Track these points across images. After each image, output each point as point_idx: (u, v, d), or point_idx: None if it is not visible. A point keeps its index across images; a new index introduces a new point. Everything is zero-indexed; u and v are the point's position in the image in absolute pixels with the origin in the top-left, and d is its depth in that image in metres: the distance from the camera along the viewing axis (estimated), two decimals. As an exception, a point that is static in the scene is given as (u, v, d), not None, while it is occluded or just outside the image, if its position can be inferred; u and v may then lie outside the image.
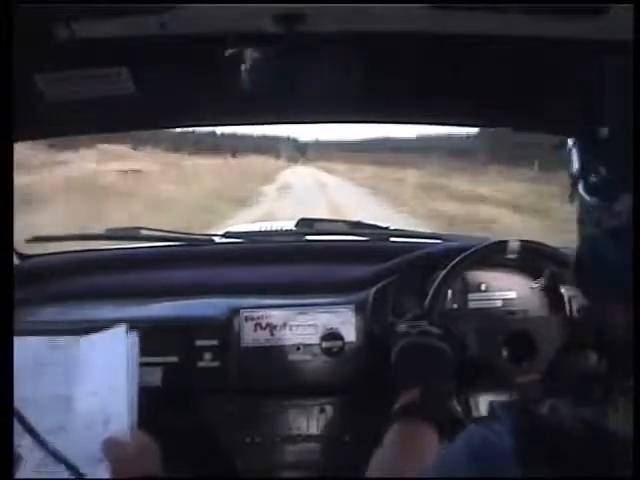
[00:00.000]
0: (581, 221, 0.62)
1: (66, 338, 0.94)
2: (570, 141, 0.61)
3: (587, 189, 0.60)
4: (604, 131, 0.59)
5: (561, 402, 0.55)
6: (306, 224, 1.59)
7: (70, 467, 0.83)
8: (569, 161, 0.62)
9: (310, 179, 18.56)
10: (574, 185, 0.61)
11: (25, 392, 0.88)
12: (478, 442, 0.48)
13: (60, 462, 0.83)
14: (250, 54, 0.92)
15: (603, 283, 0.59)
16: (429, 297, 1.16)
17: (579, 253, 0.62)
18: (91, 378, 0.92)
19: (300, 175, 20.18)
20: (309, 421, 1.30)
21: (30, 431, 0.83)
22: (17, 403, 0.83)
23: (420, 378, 0.98)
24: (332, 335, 1.25)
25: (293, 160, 24.22)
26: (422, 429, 0.89)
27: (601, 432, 0.47)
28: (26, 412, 0.85)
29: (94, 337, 0.95)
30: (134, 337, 0.95)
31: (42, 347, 0.94)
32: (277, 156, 24.44)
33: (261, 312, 1.25)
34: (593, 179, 0.59)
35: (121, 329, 0.94)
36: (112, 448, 0.85)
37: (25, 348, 0.91)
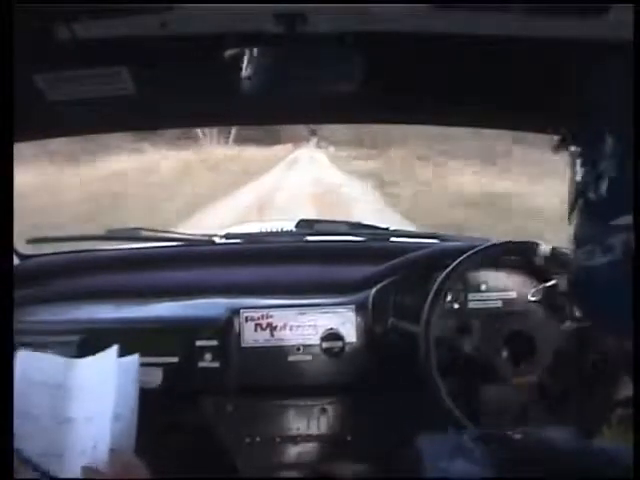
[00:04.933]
0: (580, 226, 0.61)
1: (59, 359, 0.87)
2: (574, 147, 0.60)
3: (588, 196, 0.59)
4: (605, 133, 0.58)
5: (557, 415, 0.54)
6: (306, 224, 1.59)
7: None
8: (572, 165, 0.62)
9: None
10: (575, 193, 0.61)
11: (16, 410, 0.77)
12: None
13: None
14: (250, 54, 0.91)
15: (603, 289, 0.58)
16: (429, 297, 1.16)
17: (579, 258, 0.62)
18: (84, 402, 0.84)
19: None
20: (309, 421, 1.30)
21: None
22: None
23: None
24: (332, 335, 1.25)
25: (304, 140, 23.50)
26: None
27: (598, 451, 0.46)
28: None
29: (87, 360, 0.87)
30: (132, 360, 0.87)
31: (34, 364, 0.85)
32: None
33: (261, 312, 1.25)
34: (594, 185, 0.58)
35: (112, 351, 0.86)
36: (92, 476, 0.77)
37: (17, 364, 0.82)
